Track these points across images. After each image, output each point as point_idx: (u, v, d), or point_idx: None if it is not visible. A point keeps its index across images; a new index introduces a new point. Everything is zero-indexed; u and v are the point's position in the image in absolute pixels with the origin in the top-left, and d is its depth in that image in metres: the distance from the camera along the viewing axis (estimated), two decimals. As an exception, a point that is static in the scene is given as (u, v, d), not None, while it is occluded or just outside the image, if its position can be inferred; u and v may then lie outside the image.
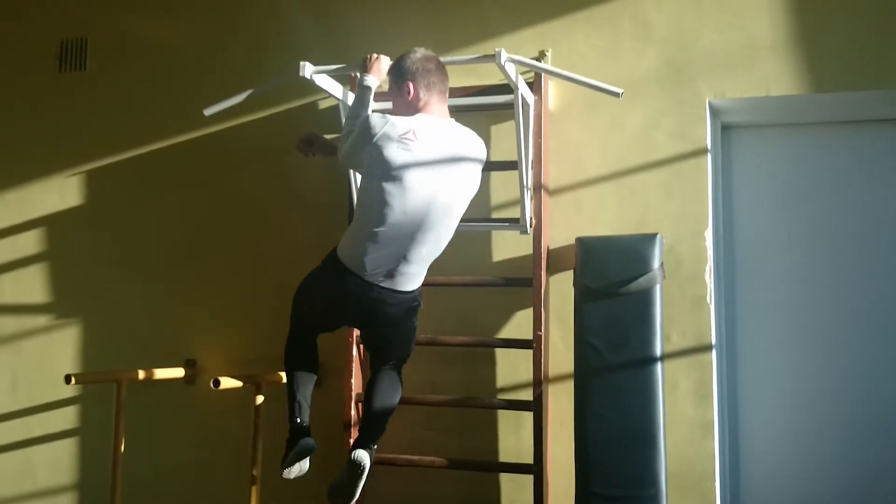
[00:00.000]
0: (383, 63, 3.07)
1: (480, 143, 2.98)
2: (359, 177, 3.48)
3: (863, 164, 3.57)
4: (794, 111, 3.54)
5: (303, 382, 3.05)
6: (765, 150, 3.66)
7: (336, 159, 3.04)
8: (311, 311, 3.03)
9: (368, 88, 3.01)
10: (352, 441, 3.47)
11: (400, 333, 2.99)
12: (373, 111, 2.95)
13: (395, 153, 2.77)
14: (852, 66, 3.31)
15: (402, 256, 2.82)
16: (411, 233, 2.80)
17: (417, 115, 2.87)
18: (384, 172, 2.78)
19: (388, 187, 2.77)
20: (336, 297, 2.88)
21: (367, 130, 2.81)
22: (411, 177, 2.78)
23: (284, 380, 3.49)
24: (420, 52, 2.93)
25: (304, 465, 3.04)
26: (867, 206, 3.55)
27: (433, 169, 2.81)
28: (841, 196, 3.57)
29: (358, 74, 3.11)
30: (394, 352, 3.02)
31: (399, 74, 2.92)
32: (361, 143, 2.82)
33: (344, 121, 3.08)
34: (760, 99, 3.39)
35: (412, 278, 2.88)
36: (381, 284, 2.83)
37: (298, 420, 3.02)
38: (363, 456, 2.89)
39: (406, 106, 2.91)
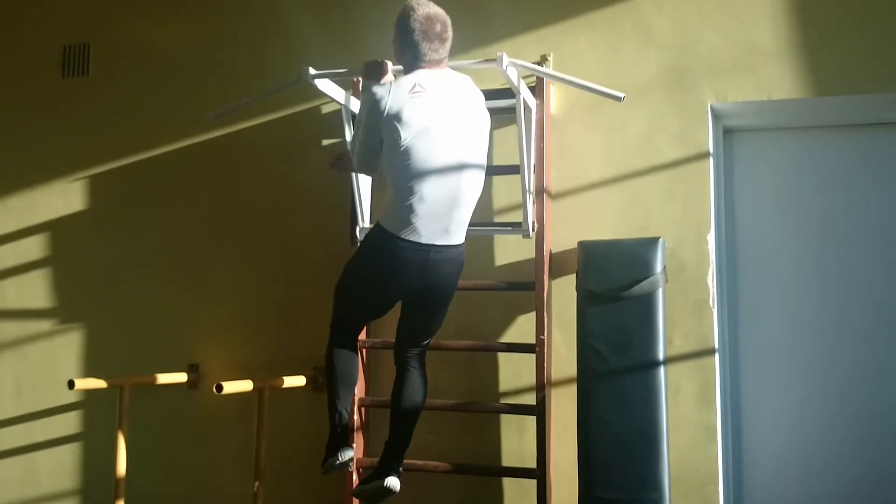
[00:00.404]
0: (385, 67, 3.09)
1: (472, 83, 3.02)
2: (362, 179, 3.49)
3: (865, 167, 3.56)
4: (796, 115, 3.54)
5: (345, 392, 3.06)
6: (767, 153, 3.66)
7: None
8: (363, 296, 3.00)
9: (369, 90, 3.02)
10: (355, 447, 3.47)
11: (445, 301, 3.00)
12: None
13: (410, 110, 2.80)
14: (854, 69, 3.31)
15: (455, 204, 2.85)
16: (455, 179, 2.84)
17: (417, 71, 2.88)
18: (408, 131, 2.80)
19: (417, 143, 2.80)
20: (394, 271, 2.87)
21: (374, 105, 2.84)
22: (433, 125, 2.82)
23: (286, 384, 3.51)
24: (422, 11, 2.88)
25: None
26: (870, 210, 3.54)
27: (450, 112, 2.85)
28: (843, 200, 3.56)
29: (360, 79, 3.13)
30: (433, 327, 3.04)
31: (402, 33, 2.90)
32: (375, 119, 2.84)
33: (352, 135, 3.10)
34: (762, 103, 3.39)
35: (462, 226, 2.92)
36: (438, 244, 2.85)
37: (339, 430, 3.05)
38: (395, 484, 2.95)
39: (412, 61, 2.91)
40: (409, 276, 2.86)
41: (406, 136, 2.80)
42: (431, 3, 2.91)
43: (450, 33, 2.91)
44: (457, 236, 2.91)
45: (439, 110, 2.84)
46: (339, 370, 3.03)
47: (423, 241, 2.82)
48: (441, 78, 2.90)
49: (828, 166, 3.59)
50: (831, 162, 3.59)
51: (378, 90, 2.85)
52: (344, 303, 3.03)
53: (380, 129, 2.84)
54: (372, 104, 2.85)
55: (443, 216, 2.84)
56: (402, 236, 2.82)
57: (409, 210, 2.80)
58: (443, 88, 2.87)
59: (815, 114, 3.53)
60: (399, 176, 2.84)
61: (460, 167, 2.85)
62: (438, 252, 2.85)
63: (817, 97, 3.34)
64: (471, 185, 2.90)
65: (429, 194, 2.80)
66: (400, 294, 2.98)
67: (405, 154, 2.81)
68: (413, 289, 2.91)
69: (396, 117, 2.80)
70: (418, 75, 2.86)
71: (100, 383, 3.68)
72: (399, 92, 2.82)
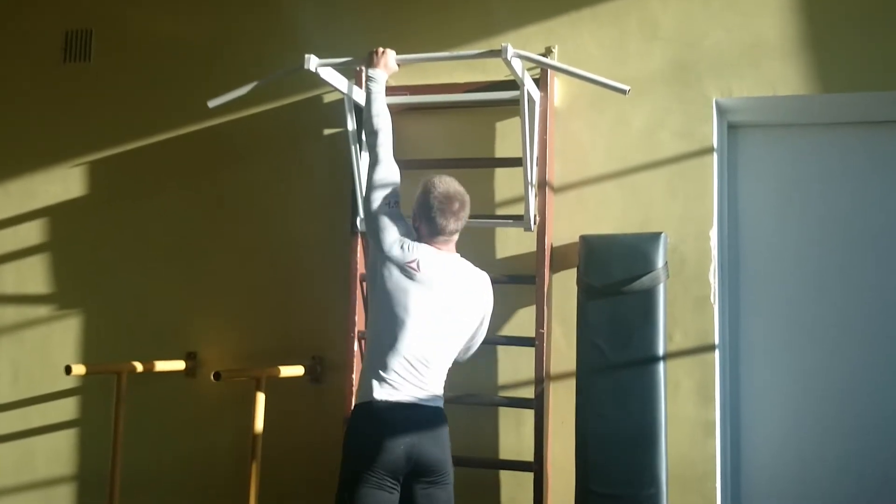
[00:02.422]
0: (389, 57, 3.07)
1: (487, 286, 2.94)
2: (362, 169, 3.47)
3: (870, 165, 3.55)
4: (801, 111, 3.53)
5: None
6: (771, 150, 3.65)
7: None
8: None
9: (373, 80, 3.01)
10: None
11: None
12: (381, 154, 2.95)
13: (397, 277, 2.78)
14: (860, 66, 3.30)
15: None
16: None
17: (423, 246, 2.83)
18: (387, 291, 2.80)
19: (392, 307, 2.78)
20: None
21: (380, 240, 2.84)
22: (412, 303, 2.76)
23: (283, 374, 3.50)
24: (442, 188, 2.85)
25: None
26: (874, 208, 3.53)
27: (433, 299, 2.78)
28: (847, 197, 3.55)
29: (364, 68, 3.11)
30: None
31: (419, 204, 2.87)
32: (377, 241, 2.85)
33: (364, 123, 3.04)
34: (767, 99, 3.38)
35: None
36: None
37: None
38: None
39: (426, 234, 2.87)
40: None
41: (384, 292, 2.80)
42: (453, 181, 2.90)
43: (466, 211, 2.88)
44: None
45: (422, 294, 2.78)
46: None
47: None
48: (441, 265, 2.82)
49: (832, 164, 3.58)
50: (836, 159, 3.58)
51: (389, 236, 2.83)
52: None
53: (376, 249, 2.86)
54: (380, 232, 2.85)
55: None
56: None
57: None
58: (438, 276, 2.80)
59: (820, 110, 3.51)
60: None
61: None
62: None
63: (823, 94, 3.33)
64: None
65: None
66: None
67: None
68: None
69: (386, 271, 2.80)
70: (421, 251, 2.82)
71: (97, 369, 3.69)
72: (399, 255, 2.80)
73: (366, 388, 2.75)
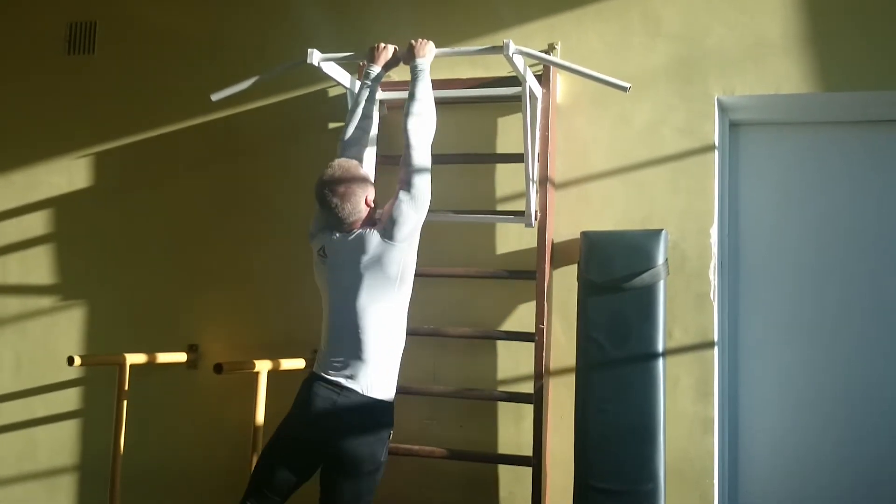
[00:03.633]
0: (389, 52, 3.11)
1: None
2: (365, 162, 3.48)
3: (871, 164, 3.55)
4: (803, 110, 3.53)
5: None
6: (773, 148, 3.65)
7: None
8: None
9: (367, 76, 3.10)
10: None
11: None
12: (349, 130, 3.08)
13: (316, 265, 2.95)
14: (863, 66, 3.30)
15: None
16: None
17: (331, 232, 2.91)
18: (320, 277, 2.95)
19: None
20: None
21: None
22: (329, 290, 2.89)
23: (284, 366, 3.52)
24: (326, 173, 2.89)
25: None
26: (874, 207, 3.53)
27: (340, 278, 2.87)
28: (848, 196, 3.56)
29: (365, 63, 3.14)
30: None
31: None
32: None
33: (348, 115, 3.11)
34: (770, 97, 3.38)
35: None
36: None
37: None
38: None
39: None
40: None
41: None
42: (337, 163, 2.92)
43: (350, 189, 2.84)
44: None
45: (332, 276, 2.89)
46: None
47: None
48: (340, 243, 2.89)
49: (834, 162, 3.58)
50: (837, 158, 3.58)
51: (314, 225, 2.99)
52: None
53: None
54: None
55: None
56: None
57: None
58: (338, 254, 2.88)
59: (822, 109, 3.52)
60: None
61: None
62: None
63: (825, 93, 3.33)
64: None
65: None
66: None
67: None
68: None
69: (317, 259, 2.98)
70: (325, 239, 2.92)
71: (99, 360, 3.70)
72: (314, 244, 2.95)
73: (317, 361, 2.94)
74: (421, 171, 2.87)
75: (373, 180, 3.07)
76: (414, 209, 2.84)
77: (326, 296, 2.91)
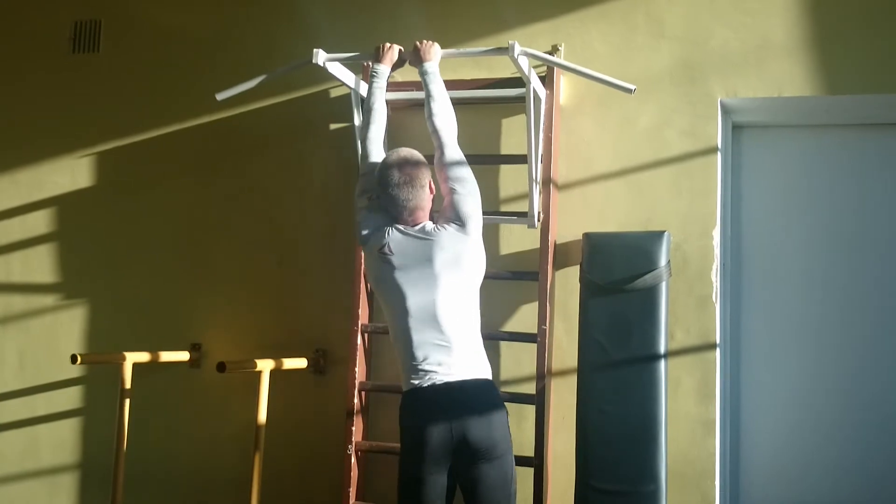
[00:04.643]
0: (395, 52, 3.12)
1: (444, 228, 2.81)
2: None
3: (874, 167, 3.56)
4: (806, 112, 3.53)
5: None
6: (775, 150, 3.65)
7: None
8: None
9: (375, 74, 3.08)
10: (354, 430, 3.49)
11: None
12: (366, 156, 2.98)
13: (377, 265, 2.82)
14: (866, 68, 3.30)
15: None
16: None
17: (391, 228, 2.82)
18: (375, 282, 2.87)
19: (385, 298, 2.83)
20: None
21: (357, 224, 2.89)
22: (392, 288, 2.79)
23: (287, 366, 3.53)
24: (391, 156, 2.85)
25: None
26: (877, 210, 3.54)
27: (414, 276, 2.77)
28: (850, 199, 3.56)
29: (371, 63, 3.14)
30: None
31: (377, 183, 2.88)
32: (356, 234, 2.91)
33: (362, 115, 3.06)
34: (773, 99, 3.39)
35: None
36: None
37: None
38: None
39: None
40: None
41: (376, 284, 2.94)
42: (403, 150, 2.89)
43: (421, 175, 2.81)
44: None
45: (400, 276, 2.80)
46: None
47: None
48: (408, 240, 2.81)
49: (837, 165, 3.58)
50: (840, 161, 3.58)
51: (363, 219, 2.89)
52: None
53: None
54: (357, 216, 2.92)
55: None
56: None
57: None
58: (409, 254, 2.79)
59: (825, 112, 3.52)
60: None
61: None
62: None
63: (828, 96, 3.33)
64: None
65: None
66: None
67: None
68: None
69: (368, 260, 2.93)
70: (390, 234, 2.83)
71: (102, 359, 3.71)
72: (373, 243, 2.84)
73: (404, 379, 2.77)
74: (464, 164, 2.87)
75: None
76: (475, 203, 2.82)
77: (397, 296, 2.76)
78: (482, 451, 2.66)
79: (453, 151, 2.90)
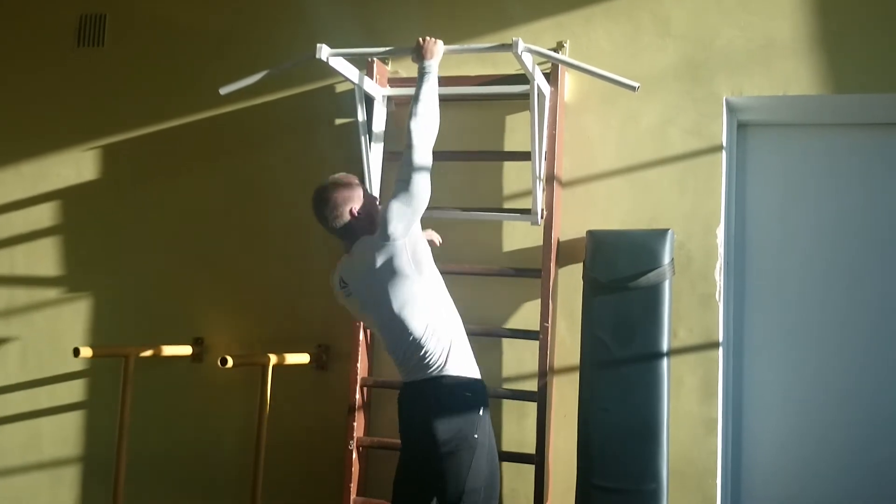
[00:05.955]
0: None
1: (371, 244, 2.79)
2: (372, 157, 3.48)
3: (878, 167, 3.55)
4: (811, 111, 3.53)
5: None
6: (780, 149, 3.64)
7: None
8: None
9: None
10: (355, 425, 3.50)
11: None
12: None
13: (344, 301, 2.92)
14: (872, 68, 3.29)
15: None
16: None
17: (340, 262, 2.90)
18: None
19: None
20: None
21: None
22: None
23: (289, 360, 3.53)
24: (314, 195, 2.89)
25: None
26: (880, 210, 3.53)
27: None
28: (854, 199, 3.55)
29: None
30: None
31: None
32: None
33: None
34: (778, 98, 3.38)
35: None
36: None
37: None
38: None
39: None
40: None
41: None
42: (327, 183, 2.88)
43: (332, 202, 2.82)
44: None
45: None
46: None
47: None
48: (351, 268, 2.85)
49: (842, 164, 3.57)
50: (845, 160, 3.57)
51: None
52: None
53: None
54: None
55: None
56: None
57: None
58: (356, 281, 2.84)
59: (830, 111, 3.51)
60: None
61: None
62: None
63: (834, 95, 3.32)
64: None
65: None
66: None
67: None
68: None
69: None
70: (339, 268, 2.91)
71: (105, 352, 3.72)
72: (335, 285, 2.92)
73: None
74: (419, 169, 2.79)
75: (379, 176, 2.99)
76: (407, 205, 2.74)
77: (370, 320, 2.89)
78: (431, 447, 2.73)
79: (417, 155, 2.79)
